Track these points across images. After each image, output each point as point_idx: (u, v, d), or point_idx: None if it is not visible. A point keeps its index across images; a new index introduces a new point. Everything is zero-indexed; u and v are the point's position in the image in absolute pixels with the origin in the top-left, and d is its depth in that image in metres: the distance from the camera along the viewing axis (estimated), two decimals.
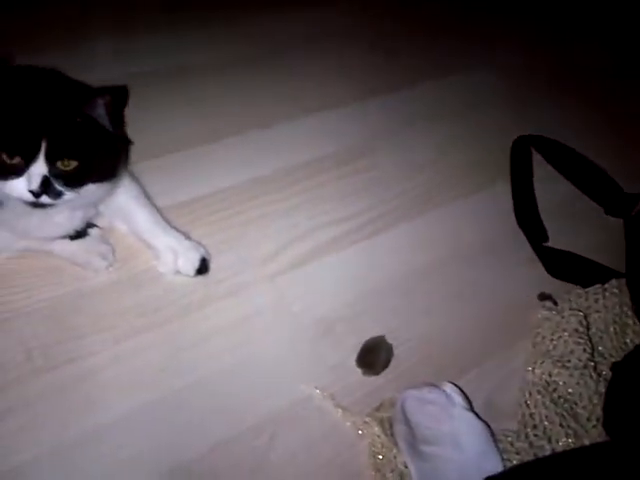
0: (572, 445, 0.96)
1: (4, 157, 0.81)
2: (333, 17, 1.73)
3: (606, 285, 1.16)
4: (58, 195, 0.86)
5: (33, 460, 0.85)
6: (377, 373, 1.03)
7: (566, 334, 1.07)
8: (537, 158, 1.44)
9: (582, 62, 1.78)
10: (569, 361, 1.04)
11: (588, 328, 1.09)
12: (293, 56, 1.56)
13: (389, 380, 1.03)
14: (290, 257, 1.15)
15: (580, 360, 1.03)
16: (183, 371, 0.97)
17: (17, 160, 0.82)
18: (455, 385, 0.97)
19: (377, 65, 1.61)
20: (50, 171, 0.84)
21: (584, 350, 1.04)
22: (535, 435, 0.98)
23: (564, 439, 0.96)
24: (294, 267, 1.14)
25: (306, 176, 1.29)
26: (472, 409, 0.95)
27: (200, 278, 1.08)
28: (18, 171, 0.83)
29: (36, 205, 0.86)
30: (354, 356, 1.04)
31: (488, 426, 0.93)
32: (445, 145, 1.44)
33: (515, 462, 0.94)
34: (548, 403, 1.00)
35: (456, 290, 1.17)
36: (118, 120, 0.96)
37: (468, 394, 0.98)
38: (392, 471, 0.92)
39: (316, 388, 0.98)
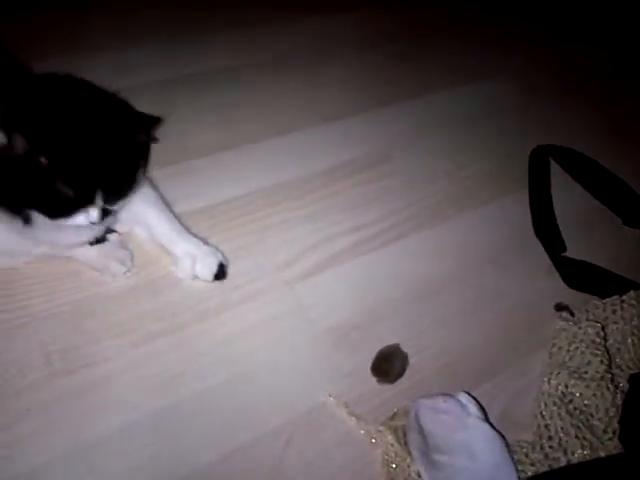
0: (588, 457, 0.95)
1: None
2: (351, 24, 1.74)
3: (624, 296, 1.15)
4: (108, 214, 0.91)
5: (48, 463, 0.86)
6: (392, 382, 1.03)
7: (583, 345, 1.06)
8: (555, 168, 1.43)
9: (603, 74, 1.78)
10: (586, 372, 1.03)
11: (605, 339, 1.08)
12: (311, 63, 1.57)
13: (403, 389, 1.03)
14: (307, 264, 1.16)
15: (597, 372, 1.02)
16: (199, 376, 0.98)
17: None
18: (470, 395, 0.96)
19: (394, 73, 1.61)
20: (105, 203, 0.89)
21: (601, 362, 1.03)
22: (550, 447, 0.97)
23: (580, 451, 0.95)
24: (311, 274, 1.14)
25: (324, 183, 1.30)
26: (487, 419, 0.94)
27: (217, 284, 1.09)
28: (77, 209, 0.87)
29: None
30: (369, 364, 1.04)
31: (503, 437, 0.92)
32: (461, 154, 1.44)
33: (530, 473, 0.94)
34: (564, 414, 0.99)
35: (472, 300, 1.17)
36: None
37: (483, 404, 0.98)
38: None
39: (330, 396, 0.99)
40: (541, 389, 1.04)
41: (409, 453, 0.93)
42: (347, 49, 1.65)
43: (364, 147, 1.40)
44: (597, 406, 1.00)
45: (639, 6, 1.94)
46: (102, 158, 0.85)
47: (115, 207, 0.92)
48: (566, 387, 1.02)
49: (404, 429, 0.96)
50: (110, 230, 1.06)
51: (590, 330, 1.08)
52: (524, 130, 1.53)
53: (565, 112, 1.61)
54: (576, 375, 1.03)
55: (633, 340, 1.10)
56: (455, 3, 1.93)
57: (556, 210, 1.33)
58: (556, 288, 1.21)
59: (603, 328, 1.09)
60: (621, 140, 1.55)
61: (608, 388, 1.01)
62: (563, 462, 0.95)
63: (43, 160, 0.81)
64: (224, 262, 1.10)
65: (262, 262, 1.14)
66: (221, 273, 1.09)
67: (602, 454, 0.95)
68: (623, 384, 1.05)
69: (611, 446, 0.97)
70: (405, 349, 1.06)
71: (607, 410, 0.99)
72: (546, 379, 1.04)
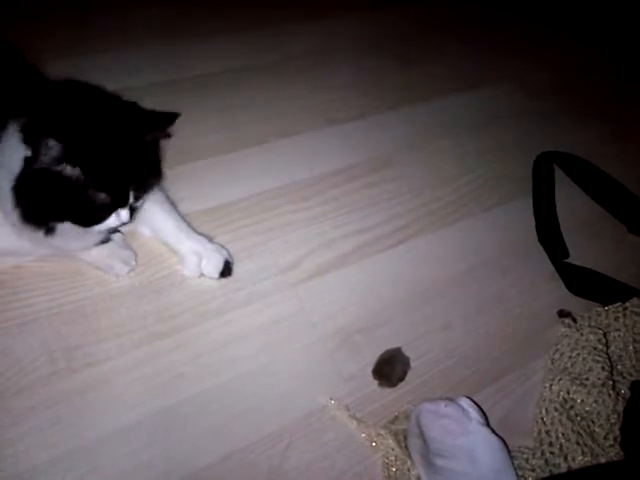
0: (588, 464, 0.95)
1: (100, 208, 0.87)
2: (356, 27, 1.74)
3: (627, 304, 1.15)
4: (134, 212, 0.93)
5: (50, 461, 0.87)
6: (393, 385, 1.03)
7: (585, 352, 1.06)
8: (559, 174, 1.43)
9: (608, 79, 1.78)
10: (587, 379, 1.03)
11: (607, 346, 1.08)
12: (315, 66, 1.57)
13: (405, 393, 1.03)
14: (311, 267, 1.16)
15: (599, 378, 1.03)
16: (200, 377, 0.98)
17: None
18: (471, 400, 0.96)
19: (398, 77, 1.62)
20: (134, 201, 0.91)
21: (603, 368, 1.03)
22: (551, 452, 0.97)
23: (580, 457, 0.95)
24: (314, 277, 1.15)
25: (329, 186, 1.30)
26: (488, 424, 0.94)
27: (220, 285, 1.09)
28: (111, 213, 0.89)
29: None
30: (371, 367, 1.04)
31: (504, 442, 0.92)
32: (465, 159, 1.44)
33: (530, 479, 0.94)
34: (565, 420, 0.99)
35: (475, 305, 1.17)
36: None
37: (485, 409, 0.98)
38: None
39: (331, 399, 0.99)
40: (542, 395, 1.04)
41: (410, 457, 0.94)
42: (352, 52, 1.65)
43: (368, 151, 1.40)
44: (598, 413, 1.00)
45: None
46: (130, 159, 0.87)
47: (139, 204, 0.94)
48: (567, 393, 1.02)
49: (405, 433, 0.97)
50: (114, 230, 1.07)
51: (592, 337, 1.08)
52: (528, 136, 1.53)
53: (570, 118, 1.61)
54: (577, 381, 1.03)
55: (635, 347, 1.11)
56: (460, 6, 1.93)
57: (559, 216, 1.33)
58: (558, 294, 1.21)
59: (605, 335, 1.09)
60: (626, 147, 1.55)
61: (609, 395, 1.01)
62: (564, 468, 0.95)
63: (77, 173, 0.82)
64: (229, 259, 1.10)
65: (265, 264, 1.14)
66: (227, 270, 1.09)
67: (603, 460, 0.96)
68: (624, 391, 1.05)
69: (612, 453, 0.97)
70: (407, 353, 1.06)
71: (608, 417, 1.00)
72: (547, 385, 1.04)
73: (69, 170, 0.81)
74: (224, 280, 1.09)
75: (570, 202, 1.37)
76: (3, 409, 0.89)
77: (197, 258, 1.08)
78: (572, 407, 1.01)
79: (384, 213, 1.28)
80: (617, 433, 0.99)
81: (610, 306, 1.15)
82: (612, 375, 1.05)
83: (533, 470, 0.95)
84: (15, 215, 0.85)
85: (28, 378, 0.93)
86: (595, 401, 1.01)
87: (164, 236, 1.09)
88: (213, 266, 1.08)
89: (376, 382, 1.03)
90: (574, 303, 1.20)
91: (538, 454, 0.97)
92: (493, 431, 0.92)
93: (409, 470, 0.93)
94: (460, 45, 1.76)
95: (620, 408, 1.01)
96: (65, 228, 0.89)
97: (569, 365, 1.07)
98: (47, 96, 0.88)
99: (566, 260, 1.25)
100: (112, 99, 0.92)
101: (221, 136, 1.35)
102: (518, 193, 1.39)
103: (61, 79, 0.94)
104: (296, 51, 1.60)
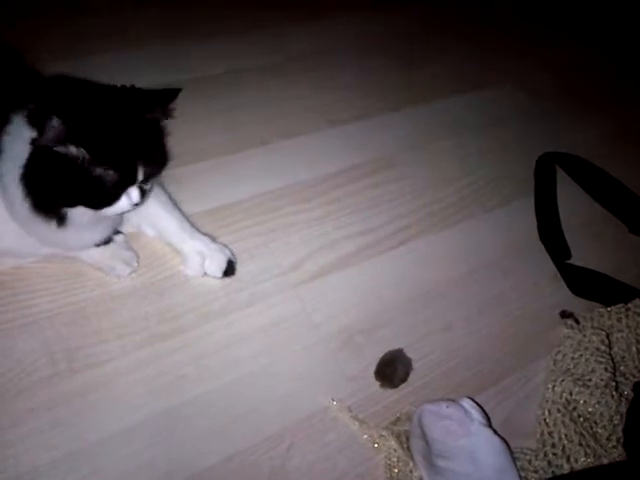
0: (591, 465, 0.94)
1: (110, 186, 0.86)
2: (359, 28, 1.74)
3: (629, 304, 1.15)
4: (144, 194, 0.92)
5: (50, 463, 0.86)
6: (395, 386, 1.03)
7: (588, 353, 1.06)
8: (561, 175, 1.43)
9: (610, 79, 1.78)
10: (590, 380, 1.03)
11: (610, 347, 1.08)
12: (318, 67, 1.57)
13: (407, 394, 1.03)
14: (313, 267, 1.16)
15: (601, 379, 1.02)
16: (202, 379, 0.98)
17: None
18: (474, 401, 0.96)
19: (403, 78, 1.62)
20: (144, 180, 0.90)
21: (605, 369, 1.03)
22: (554, 454, 0.97)
23: (583, 458, 0.95)
24: (316, 277, 1.14)
25: (331, 187, 1.30)
26: (490, 425, 0.94)
27: (222, 286, 1.09)
28: (120, 195, 0.88)
29: None
30: (373, 368, 1.04)
31: (506, 443, 0.92)
32: (467, 160, 1.44)
33: None
34: (568, 422, 0.99)
35: (477, 306, 1.17)
36: None
37: (487, 410, 0.98)
38: None
39: (333, 400, 0.99)
40: (545, 396, 1.04)
41: (412, 458, 0.94)
42: (354, 53, 1.65)
43: (370, 152, 1.40)
44: (601, 414, 1.00)
45: None
46: (134, 135, 0.87)
47: (149, 186, 0.92)
48: (570, 394, 1.02)
49: (407, 434, 0.96)
50: (116, 231, 1.07)
51: (595, 338, 1.07)
52: (530, 136, 1.53)
53: (572, 118, 1.61)
54: (580, 382, 1.02)
55: (638, 348, 1.10)
56: (462, 6, 1.93)
57: (561, 217, 1.33)
58: (561, 295, 1.21)
59: (608, 336, 1.09)
60: (627, 147, 1.55)
61: (612, 396, 1.01)
62: (566, 469, 0.95)
63: (83, 152, 0.82)
64: (232, 259, 1.10)
65: (267, 265, 1.14)
66: (230, 270, 1.10)
67: (606, 462, 0.95)
68: (627, 392, 1.05)
69: (615, 454, 0.97)
70: (409, 354, 1.06)
71: (611, 418, 0.99)
72: (550, 386, 1.04)
73: (74, 150, 0.81)
74: (226, 281, 1.10)
75: (572, 203, 1.37)
76: (4, 410, 0.89)
77: (200, 258, 1.08)
78: (575, 408, 1.01)
79: (386, 214, 1.28)
80: (620, 434, 0.99)
81: (613, 307, 1.15)
82: (615, 376, 1.04)
83: (536, 472, 0.95)
84: (26, 206, 0.85)
85: (29, 379, 0.93)
86: (598, 402, 1.00)
87: (167, 236, 1.09)
88: (216, 266, 1.08)
89: (378, 383, 1.03)
90: (576, 304, 1.19)
91: (541, 455, 0.97)
92: (495, 432, 0.92)
93: (411, 471, 0.93)
94: (462, 45, 1.76)
95: (623, 409, 1.01)
96: (77, 218, 0.89)
97: (572, 366, 1.06)
98: (48, 85, 0.89)
99: (568, 261, 1.25)
100: (110, 86, 0.93)
101: (223, 137, 1.35)
102: (520, 194, 1.38)
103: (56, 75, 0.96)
104: (298, 51, 1.60)
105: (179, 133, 1.27)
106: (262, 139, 1.36)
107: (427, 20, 1.83)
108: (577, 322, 1.13)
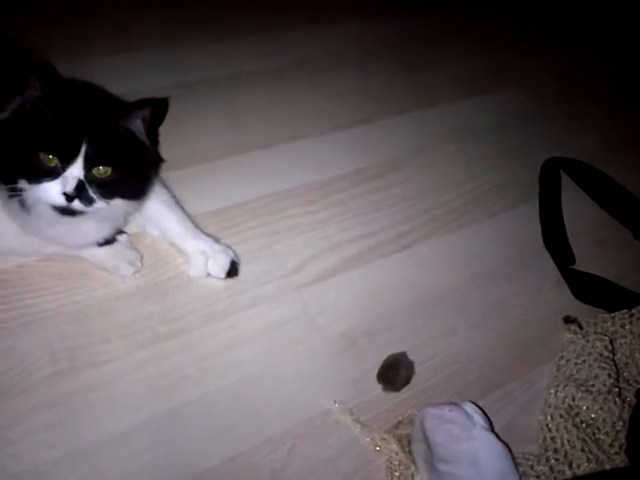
0: (593, 471, 0.94)
1: (42, 157, 0.83)
2: (366, 32, 1.74)
3: (633, 310, 1.15)
4: (89, 202, 0.86)
5: (51, 461, 0.86)
6: (397, 390, 1.03)
7: (591, 358, 1.06)
8: (566, 180, 1.43)
9: (616, 84, 1.78)
10: (593, 385, 1.03)
11: (613, 353, 1.08)
12: (324, 70, 1.57)
13: (409, 397, 1.02)
14: (316, 270, 1.16)
15: (604, 385, 1.02)
16: (204, 380, 0.98)
17: (55, 162, 0.83)
18: (476, 405, 0.96)
19: (408, 81, 1.62)
20: (86, 176, 0.85)
21: (609, 375, 1.03)
22: (556, 459, 0.96)
23: (585, 464, 0.95)
24: (320, 280, 1.14)
25: (335, 190, 1.30)
26: (493, 430, 0.94)
27: (225, 287, 1.09)
28: (54, 173, 0.84)
29: (64, 212, 0.87)
30: (375, 372, 1.04)
31: (508, 448, 0.91)
32: (472, 165, 1.44)
33: None
34: (570, 427, 0.98)
35: (480, 310, 1.17)
36: (154, 135, 0.98)
37: (489, 415, 0.98)
38: None
39: (335, 402, 0.98)
40: (547, 401, 1.03)
41: (413, 462, 0.93)
42: (359, 56, 1.65)
43: (375, 155, 1.40)
44: (604, 420, 0.99)
45: None
46: (89, 122, 0.85)
47: (94, 191, 0.87)
48: (573, 400, 1.02)
49: (409, 438, 0.96)
50: (120, 231, 1.07)
51: (598, 343, 1.07)
52: (534, 141, 1.53)
53: (577, 124, 1.61)
54: (583, 388, 1.02)
55: None
56: (465, 9, 1.93)
57: (566, 222, 1.33)
58: (565, 300, 1.21)
59: (611, 342, 1.09)
60: (632, 152, 1.55)
61: (615, 402, 1.00)
62: (568, 475, 0.94)
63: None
64: (236, 260, 1.10)
65: (270, 267, 1.14)
66: (233, 270, 1.10)
67: (608, 468, 0.95)
68: (630, 398, 1.05)
69: (617, 460, 0.97)
70: (412, 357, 1.06)
71: (614, 424, 0.99)
72: (553, 391, 1.04)
73: (35, 85, 0.83)
74: (229, 282, 1.10)
75: (576, 208, 1.37)
76: (5, 409, 0.89)
77: (204, 258, 1.08)
78: (577, 414, 1.01)
79: (390, 218, 1.28)
80: (622, 440, 0.98)
81: (616, 313, 1.15)
82: (618, 382, 1.04)
83: (538, 477, 0.95)
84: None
85: (31, 378, 0.93)
86: (601, 408, 1.00)
87: (171, 236, 1.09)
88: (220, 266, 1.08)
89: (380, 386, 1.03)
90: (580, 309, 1.19)
91: (543, 461, 0.97)
92: (498, 437, 0.92)
93: (413, 475, 0.92)
94: (466, 48, 1.76)
95: (626, 415, 1.01)
96: (39, 208, 0.87)
97: (575, 372, 1.06)
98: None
99: (572, 266, 1.25)
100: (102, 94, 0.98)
101: (228, 139, 1.35)
102: (524, 199, 1.38)
103: None
104: (303, 54, 1.60)
105: (183, 134, 1.28)
106: (267, 141, 1.36)
107: (431, 24, 1.82)
108: (581, 327, 1.13)
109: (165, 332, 1.01)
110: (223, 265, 1.08)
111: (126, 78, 1.31)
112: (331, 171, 1.33)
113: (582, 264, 1.25)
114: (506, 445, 0.91)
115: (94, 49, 1.43)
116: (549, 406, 1.03)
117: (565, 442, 0.97)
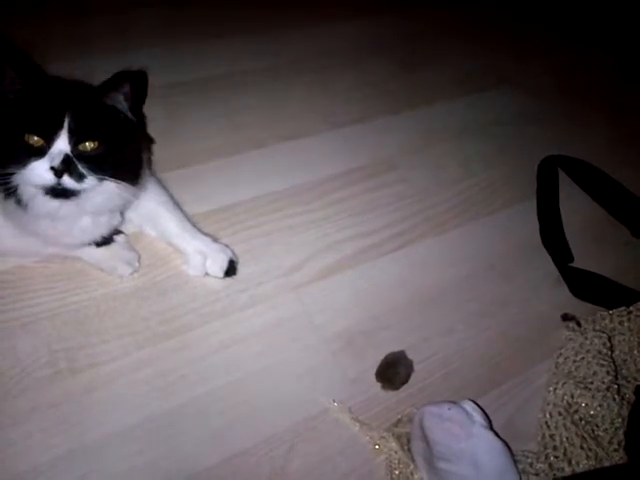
0: (592, 468, 0.94)
1: (27, 138, 0.83)
2: (362, 31, 1.74)
3: (631, 307, 1.15)
4: (80, 177, 0.86)
5: (51, 461, 0.86)
6: (396, 388, 1.03)
7: (589, 356, 1.06)
8: (563, 178, 1.43)
9: (614, 82, 1.78)
10: (592, 383, 1.03)
11: (612, 350, 1.08)
12: (320, 70, 1.58)
13: (408, 396, 1.02)
14: (314, 269, 1.16)
15: (603, 382, 1.02)
16: (203, 379, 0.98)
17: (41, 142, 0.83)
18: (475, 403, 0.96)
19: (404, 80, 1.62)
20: (73, 151, 0.85)
21: (607, 372, 1.03)
22: (555, 457, 0.96)
23: (585, 461, 0.95)
24: (317, 279, 1.14)
25: (332, 189, 1.30)
26: (492, 428, 0.94)
27: (223, 287, 1.09)
28: (40, 152, 0.84)
29: (58, 194, 0.86)
30: (374, 370, 1.04)
31: (507, 446, 0.92)
32: (469, 163, 1.44)
33: None
34: (569, 425, 0.99)
35: (478, 308, 1.17)
36: (138, 110, 0.97)
37: (488, 413, 0.98)
38: None
39: (334, 401, 0.98)
40: (546, 399, 1.03)
41: (412, 460, 0.94)
42: (354, 55, 1.65)
43: (372, 154, 1.40)
44: (603, 417, 0.99)
45: None
46: (70, 97, 0.87)
47: (89, 172, 0.86)
48: (572, 397, 1.02)
49: (408, 436, 0.96)
50: (117, 231, 1.07)
51: (597, 341, 1.07)
52: (531, 139, 1.53)
53: (575, 122, 1.61)
54: (582, 385, 1.02)
55: None
56: (462, 8, 1.93)
57: (564, 220, 1.33)
58: (563, 298, 1.21)
59: (610, 339, 1.09)
60: (631, 150, 1.55)
61: (614, 399, 1.01)
62: (568, 472, 0.95)
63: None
64: (234, 259, 1.10)
65: (268, 267, 1.14)
66: (231, 270, 1.10)
67: (607, 465, 0.95)
68: (629, 395, 1.05)
69: (616, 457, 0.97)
70: (410, 356, 1.06)
71: (613, 421, 0.99)
72: (552, 389, 1.04)
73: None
74: (227, 282, 1.09)
75: (574, 206, 1.37)
76: (5, 409, 0.89)
77: (202, 257, 1.08)
78: (576, 411, 1.01)
79: (386, 217, 1.28)
80: (621, 437, 0.98)
81: (615, 310, 1.15)
82: (617, 379, 1.04)
83: (537, 474, 0.95)
84: None
85: (30, 378, 0.93)
86: (599, 405, 1.00)
87: (169, 236, 1.09)
88: (218, 265, 1.08)
89: (379, 385, 1.03)
90: (578, 307, 1.19)
91: (542, 458, 0.97)
92: (497, 435, 0.92)
93: (412, 473, 0.92)
94: (462, 47, 1.77)
95: (625, 412, 1.01)
96: (36, 204, 0.88)
97: (573, 369, 1.06)
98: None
99: (570, 264, 1.25)
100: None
101: (224, 139, 1.35)
102: (521, 197, 1.38)
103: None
104: (298, 54, 1.60)
105: (182, 134, 1.28)
106: (262, 141, 1.36)
107: (427, 22, 1.83)
108: (579, 325, 1.13)
109: (164, 332, 1.01)
110: (221, 264, 1.08)
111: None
112: (327, 170, 1.33)
113: (580, 262, 1.25)
114: (505, 443, 0.91)
115: (94, 49, 1.43)
116: (548, 403, 1.03)
117: (564, 439, 0.98)
